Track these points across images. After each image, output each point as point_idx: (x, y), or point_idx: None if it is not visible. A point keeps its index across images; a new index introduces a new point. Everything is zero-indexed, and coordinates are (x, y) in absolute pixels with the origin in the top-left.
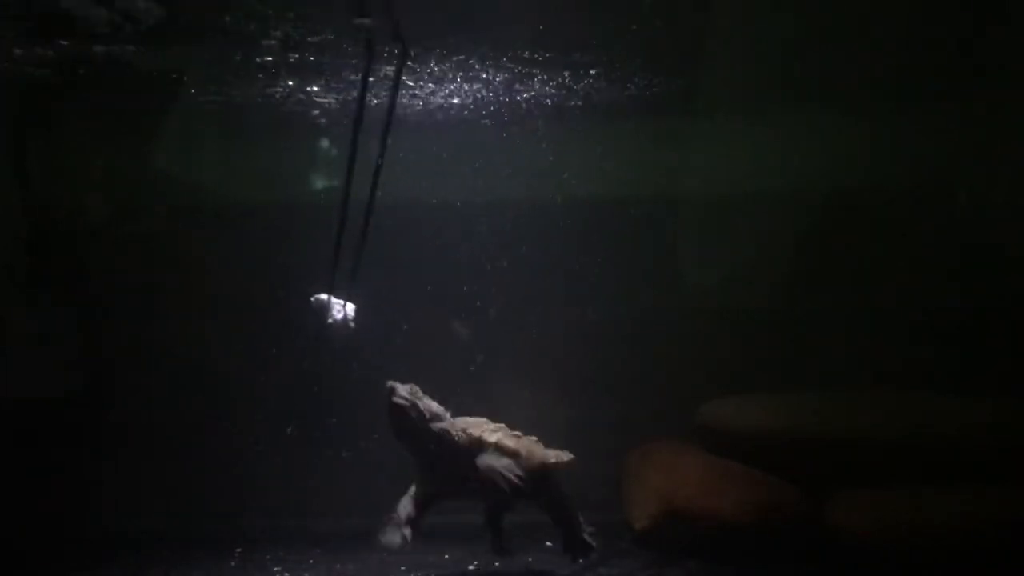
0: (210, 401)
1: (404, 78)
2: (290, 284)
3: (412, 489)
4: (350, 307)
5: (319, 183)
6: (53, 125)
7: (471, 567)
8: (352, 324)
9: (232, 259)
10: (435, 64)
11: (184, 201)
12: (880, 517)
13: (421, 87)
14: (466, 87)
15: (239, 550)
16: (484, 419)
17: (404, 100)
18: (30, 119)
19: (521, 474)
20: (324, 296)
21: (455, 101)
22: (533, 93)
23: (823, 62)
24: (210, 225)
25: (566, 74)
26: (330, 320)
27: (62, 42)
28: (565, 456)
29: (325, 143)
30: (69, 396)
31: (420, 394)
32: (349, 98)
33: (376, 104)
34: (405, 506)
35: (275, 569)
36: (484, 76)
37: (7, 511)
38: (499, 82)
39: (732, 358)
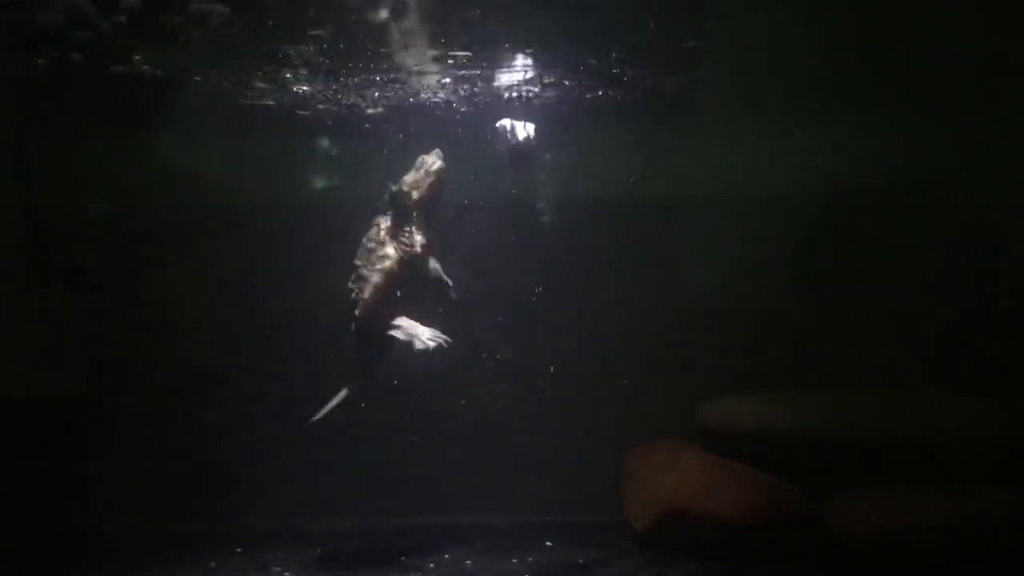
0: (210, 401)
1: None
2: (293, 283)
3: None
4: (531, 127)
5: (321, 183)
6: (53, 123)
7: (470, 566)
8: (534, 143)
9: (234, 258)
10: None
11: (185, 200)
12: (880, 517)
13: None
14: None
15: (239, 550)
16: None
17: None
18: (31, 117)
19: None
20: (507, 120)
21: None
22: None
23: (823, 63)
24: (212, 224)
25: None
26: (513, 141)
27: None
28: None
29: (325, 143)
30: (69, 396)
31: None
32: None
33: None
34: None
35: (275, 569)
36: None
37: (7, 511)
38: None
39: (732, 358)
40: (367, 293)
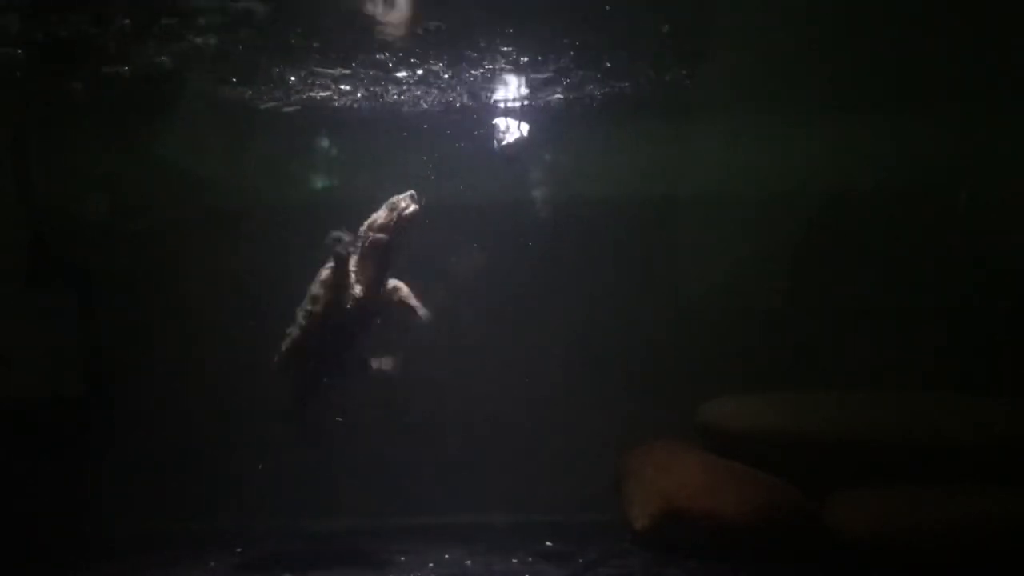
0: (211, 400)
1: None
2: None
3: None
4: (524, 126)
5: (321, 183)
6: (53, 123)
7: (469, 565)
8: (524, 140)
9: (234, 259)
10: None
11: (186, 200)
12: (880, 517)
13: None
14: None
15: (239, 550)
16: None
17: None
18: (32, 116)
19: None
20: (502, 119)
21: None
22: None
23: (823, 63)
24: (212, 225)
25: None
26: (505, 138)
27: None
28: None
29: (325, 143)
30: (69, 396)
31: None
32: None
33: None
34: None
35: (275, 569)
36: None
37: (8, 511)
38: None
39: (732, 358)
40: (284, 345)
